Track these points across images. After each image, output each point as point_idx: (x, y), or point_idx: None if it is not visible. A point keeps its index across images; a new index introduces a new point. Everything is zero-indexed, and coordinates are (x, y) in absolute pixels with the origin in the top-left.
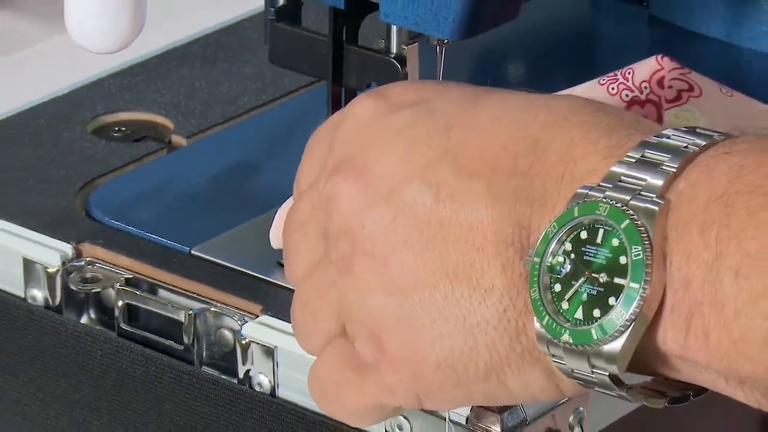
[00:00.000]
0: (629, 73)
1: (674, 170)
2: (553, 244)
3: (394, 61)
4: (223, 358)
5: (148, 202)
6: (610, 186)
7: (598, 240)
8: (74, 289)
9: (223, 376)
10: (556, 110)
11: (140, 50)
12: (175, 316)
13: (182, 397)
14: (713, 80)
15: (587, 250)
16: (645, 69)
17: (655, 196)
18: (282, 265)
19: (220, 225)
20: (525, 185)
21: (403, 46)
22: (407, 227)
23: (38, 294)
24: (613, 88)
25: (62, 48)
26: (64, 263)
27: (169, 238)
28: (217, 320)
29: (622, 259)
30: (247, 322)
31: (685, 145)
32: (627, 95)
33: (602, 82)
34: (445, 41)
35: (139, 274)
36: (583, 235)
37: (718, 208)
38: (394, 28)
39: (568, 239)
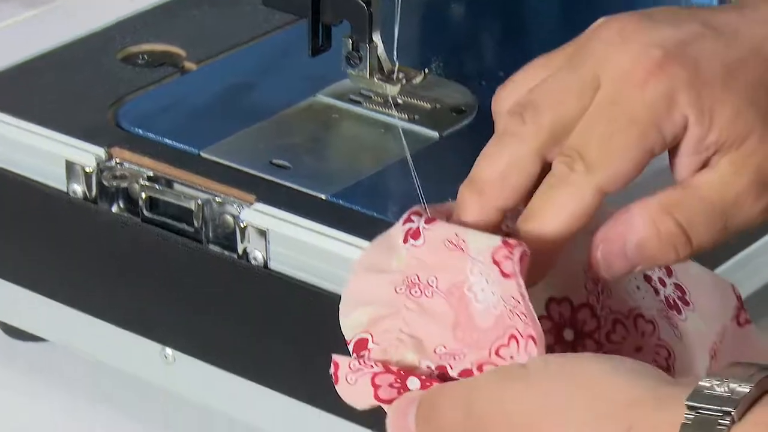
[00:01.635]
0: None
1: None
2: None
3: (362, 3)
4: (225, 238)
5: (166, 115)
6: None
7: None
8: (107, 184)
9: (225, 253)
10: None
11: None
12: (187, 205)
13: (194, 269)
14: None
15: None
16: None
17: None
18: (274, 164)
19: (223, 132)
20: None
21: None
22: None
23: (78, 189)
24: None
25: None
26: (98, 164)
27: (183, 143)
28: (220, 208)
29: None
30: (244, 209)
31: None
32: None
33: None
34: None
35: (158, 171)
36: None
37: None
38: None
39: None
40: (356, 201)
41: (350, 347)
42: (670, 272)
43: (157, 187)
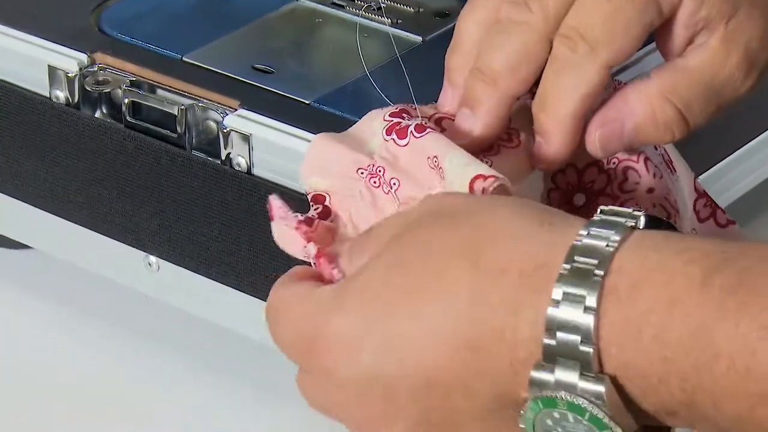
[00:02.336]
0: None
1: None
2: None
3: None
4: (209, 144)
5: (149, 19)
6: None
7: (570, 420)
8: (89, 90)
9: (209, 158)
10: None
11: None
12: (171, 111)
13: (177, 175)
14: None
15: (567, 426)
16: None
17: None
18: (257, 69)
19: (206, 37)
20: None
21: None
22: None
23: (60, 94)
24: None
25: None
26: (81, 69)
27: (165, 48)
28: (203, 113)
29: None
30: (227, 114)
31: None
32: None
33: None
34: None
35: (141, 77)
36: (556, 415)
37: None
38: None
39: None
40: (340, 106)
41: (309, 197)
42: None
43: (139, 92)
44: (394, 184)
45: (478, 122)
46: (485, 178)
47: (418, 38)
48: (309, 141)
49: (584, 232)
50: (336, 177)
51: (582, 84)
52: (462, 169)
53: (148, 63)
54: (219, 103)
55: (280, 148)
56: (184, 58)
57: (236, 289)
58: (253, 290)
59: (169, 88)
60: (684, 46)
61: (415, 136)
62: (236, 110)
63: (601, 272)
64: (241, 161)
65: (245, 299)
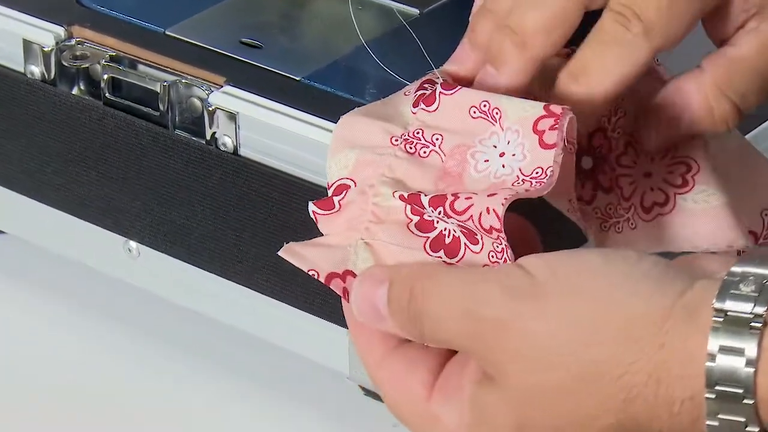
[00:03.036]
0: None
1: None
2: None
3: None
4: (193, 123)
5: None
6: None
7: None
8: (66, 65)
9: (193, 138)
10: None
11: None
12: (152, 87)
13: (159, 156)
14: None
15: None
16: None
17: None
18: (244, 44)
19: (190, 9)
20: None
21: None
22: None
23: (36, 69)
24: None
25: None
26: (57, 43)
27: (147, 21)
28: (187, 90)
29: None
30: (213, 91)
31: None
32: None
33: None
34: None
35: (122, 51)
36: None
37: None
38: None
39: None
40: (332, 83)
41: (330, 190)
42: None
43: (120, 67)
44: (437, 139)
45: (501, 81)
46: (557, 115)
47: (415, 11)
48: (299, 120)
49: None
50: (367, 147)
51: (628, 63)
52: (529, 106)
53: (128, 37)
54: (204, 80)
55: (268, 127)
56: (166, 32)
57: (222, 276)
58: (240, 278)
59: (151, 63)
60: (734, 32)
61: (446, 94)
62: (222, 87)
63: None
64: (227, 141)
65: (231, 288)
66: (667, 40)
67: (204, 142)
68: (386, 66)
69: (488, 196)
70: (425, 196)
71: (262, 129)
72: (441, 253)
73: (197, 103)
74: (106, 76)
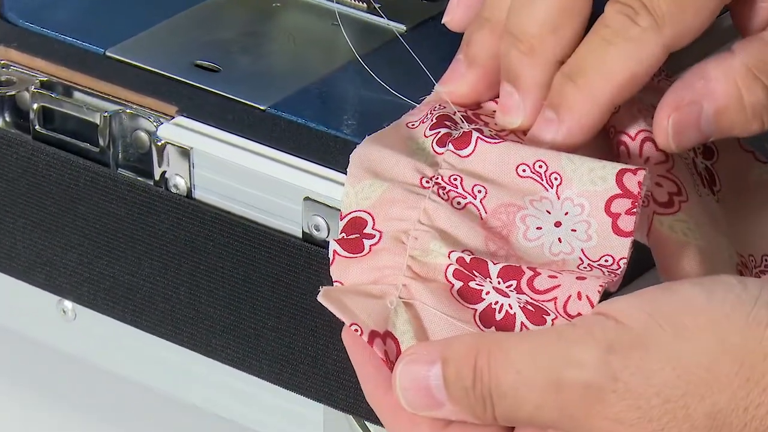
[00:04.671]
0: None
1: None
2: None
3: None
4: (138, 160)
5: (63, 3)
6: None
7: None
8: None
9: (139, 178)
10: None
11: None
12: (91, 119)
13: (98, 200)
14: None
15: None
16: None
17: None
18: (199, 66)
19: (135, 25)
20: None
21: None
22: None
23: None
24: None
25: None
26: None
27: (84, 40)
28: (132, 122)
29: None
30: (162, 123)
31: None
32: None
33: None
34: None
35: (54, 76)
36: None
37: None
38: None
39: None
40: (302, 113)
41: (342, 222)
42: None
43: (52, 95)
44: (479, 192)
45: (526, 101)
46: (634, 171)
47: (401, 26)
48: (264, 157)
49: None
50: (397, 182)
51: (635, 61)
52: (589, 174)
53: (62, 59)
54: (151, 109)
55: (228, 165)
56: (107, 53)
57: (173, 342)
58: (195, 344)
59: (89, 90)
60: (766, 22)
61: (486, 141)
62: (173, 118)
63: None
64: (179, 182)
65: (184, 355)
66: (681, 35)
67: (152, 183)
68: (367, 92)
69: (578, 279)
70: (494, 264)
71: (220, 167)
72: (491, 330)
73: (144, 136)
74: (35, 106)
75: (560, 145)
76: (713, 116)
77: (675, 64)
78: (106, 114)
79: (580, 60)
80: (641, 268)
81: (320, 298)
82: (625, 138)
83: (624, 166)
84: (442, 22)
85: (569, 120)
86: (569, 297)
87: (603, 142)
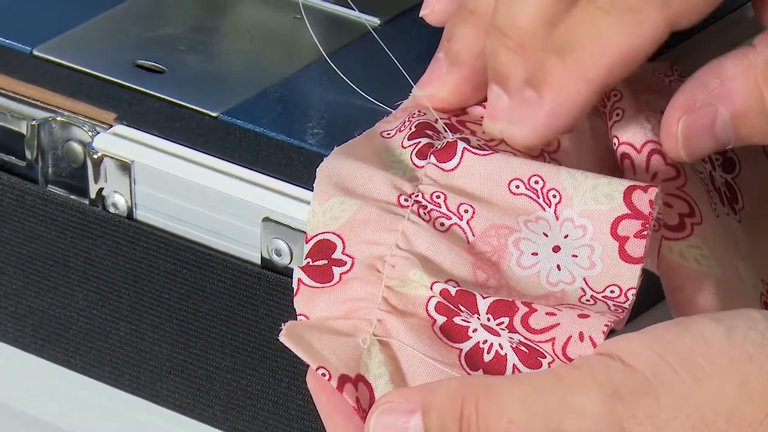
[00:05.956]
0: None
1: None
2: None
3: None
4: (71, 176)
5: None
6: None
7: None
8: None
9: (72, 196)
10: None
11: None
12: (16, 128)
13: (25, 221)
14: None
15: None
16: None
17: None
18: (141, 67)
19: (67, 20)
20: None
21: None
22: None
23: None
24: None
25: None
26: None
27: (8, 37)
28: (64, 131)
29: None
30: (99, 133)
31: None
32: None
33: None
34: None
35: None
36: None
37: None
38: None
39: None
40: (260, 120)
41: (307, 246)
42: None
43: None
44: (466, 212)
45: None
46: (644, 188)
47: (375, 20)
48: (217, 171)
49: None
50: (370, 200)
51: (635, 35)
52: (593, 191)
53: None
54: (86, 117)
55: (174, 181)
56: (34, 52)
57: (112, 385)
58: (137, 388)
59: (14, 95)
60: None
61: (474, 153)
62: (111, 127)
63: None
64: (118, 200)
65: (125, 401)
66: (688, 9)
67: (87, 202)
68: (335, 96)
69: (580, 316)
70: (483, 298)
71: (166, 183)
72: (478, 374)
73: (77, 148)
74: None
75: (539, 131)
76: (730, 121)
77: (692, 63)
78: (33, 122)
79: (569, 32)
80: (650, 300)
81: (282, 338)
82: (629, 150)
83: (633, 182)
84: (420, 15)
85: (552, 101)
86: (569, 338)
87: (606, 152)
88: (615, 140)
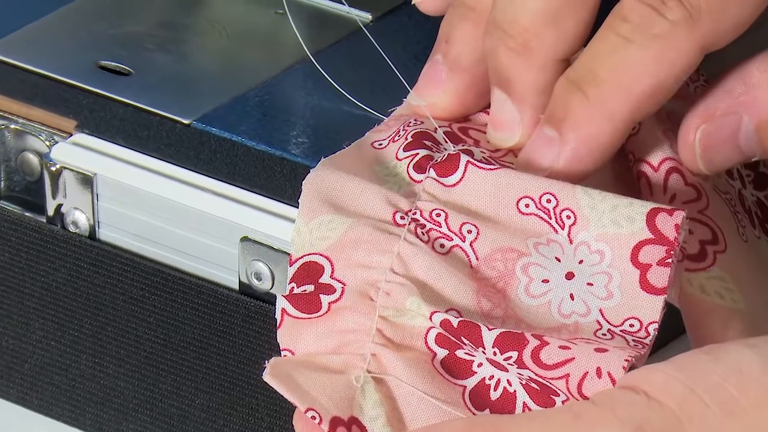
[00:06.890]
0: None
1: None
2: None
3: None
4: (27, 190)
5: None
6: None
7: None
8: None
9: (27, 214)
10: None
11: None
12: None
13: None
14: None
15: None
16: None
17: None
18: (104, 69)
19: (20, 15)
20: None
21: None
22: None
23: None
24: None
25: None
26: None
27: None
28: (18, 141)
29: None
30: (57, 142)
31: None
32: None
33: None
34: None
35: None
36: None
37: None
38: None
39: None
40: (238, 128)
41: (291, 269)
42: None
43: None
44: (469, 232)
45: (522, 111)
46: (670, 212)
47: (367, 15)
48: (189, 185)
49: None
50: (363, 218)
51: (663, 65)
52: (612, 212)
53: None
54: (43, 125)
55: (142, 196)
56: None
57: (74, 426)
58: (99, 427)
59: None
60: None
61: (478, 167)
62: (71, 135)
63: None
64: (79, 218)
65: None
66: (720, 31)
67: (44, 220)
68: (329, 95)
69: (597, 351)
70: (489, 330)
71: (132, 199)
72: (485, 413)
73: (33, 159)
74: None
75: (562, 172)
76: (756, 131)
77: (717, 65)
78: None
79: (591, 63)
80: (672, 332)
81: (267, 377)
82: (645, 167)
83: (657, 205)
84: (412, 2)
85: (575, 140)
86: (585, 374)
87: (622, 169)
88: (630, 156)
